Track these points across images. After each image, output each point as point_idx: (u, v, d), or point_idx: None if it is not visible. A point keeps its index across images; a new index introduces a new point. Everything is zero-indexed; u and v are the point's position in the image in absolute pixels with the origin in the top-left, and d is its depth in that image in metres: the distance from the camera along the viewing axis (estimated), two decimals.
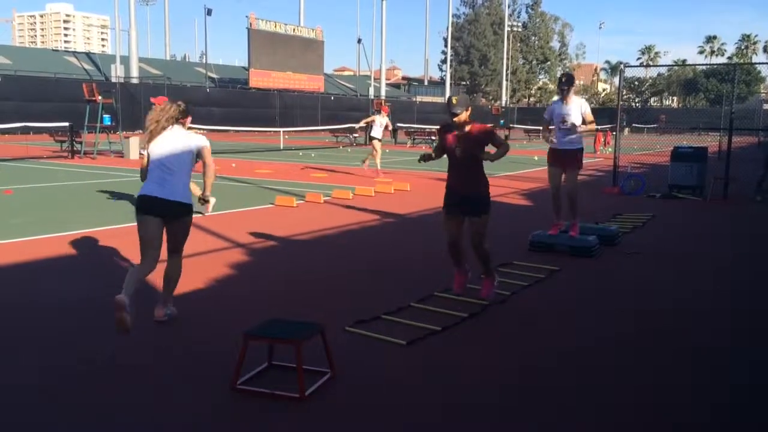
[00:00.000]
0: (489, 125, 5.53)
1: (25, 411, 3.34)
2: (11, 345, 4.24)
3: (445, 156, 5.45)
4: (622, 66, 14.84)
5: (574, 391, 3.73)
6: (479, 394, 3.67)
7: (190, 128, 5.06)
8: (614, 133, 15.16)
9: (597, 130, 13.28)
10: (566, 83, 7.21)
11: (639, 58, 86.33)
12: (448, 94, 70.82)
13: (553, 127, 7.43)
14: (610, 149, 27.99)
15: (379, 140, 15.52)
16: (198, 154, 4.71)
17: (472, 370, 4.01)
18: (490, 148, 5.24)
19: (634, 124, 36.28)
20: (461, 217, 5.33)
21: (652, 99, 79.21)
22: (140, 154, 5.43)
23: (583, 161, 7.46)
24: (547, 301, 5.52)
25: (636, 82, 74.97)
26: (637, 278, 6.40)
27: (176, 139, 4.64)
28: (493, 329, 4.79)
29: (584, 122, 7.29)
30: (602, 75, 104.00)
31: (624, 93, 14.22)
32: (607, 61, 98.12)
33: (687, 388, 3.80)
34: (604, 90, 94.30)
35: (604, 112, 59.81)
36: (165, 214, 4.51)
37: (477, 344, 4.47)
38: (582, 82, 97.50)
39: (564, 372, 4.01)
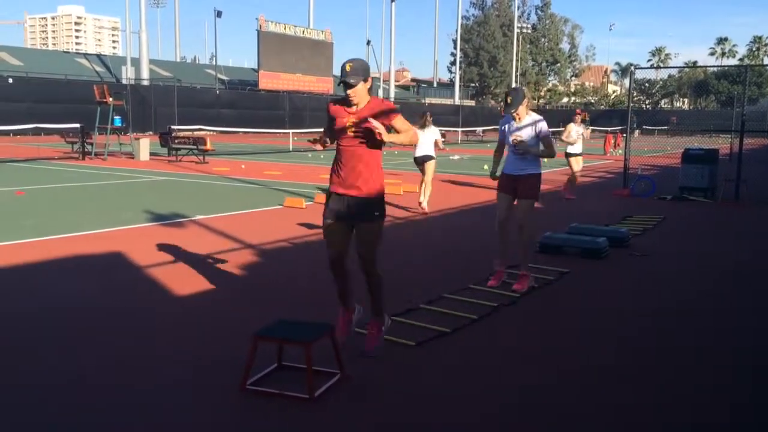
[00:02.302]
0: (392, 104, 4.31)
1: (40, 411, 3.36)
2: (27, 345, 4.26)
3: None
4: (632, 68, 14.79)
5: (577, 397, 3.72)
6: (486, 397, 3.65)
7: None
8: (624, 135, 15.10)
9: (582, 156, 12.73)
10: (512, 105, 5.73)
11: (649, 60, 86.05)
12: (457, 96, 70.95)
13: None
14: (620, 151, 27.88)
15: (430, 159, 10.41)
16: None
17: (481, 372, 4.00)
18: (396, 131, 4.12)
19: (644, 126, 36.16)
20: (348, 224, 4.13)
21: (663, 101, 78.86)
22: None
23: (541, 188, 6.03)
24: (557, 303, 5.50)
25: (646, 84, 74.72)
26: (646, 280, 6.36)
27: None
28: (503, 331, 4.77)
29: (540, 143, 5.84)
30: (612, 77, 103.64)
31: (634, 95, 14.15)
32: (618, 63, 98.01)
33: (706, 389, 3.78)
34: (614, 92, 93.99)
35: (614, 114, 59.88)
36: None
37: (486, 346, 4.46)
38: (592, 84, 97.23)
39: (570, 376, 3.99)
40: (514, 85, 75.53)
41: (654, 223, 9.63)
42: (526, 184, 5.84)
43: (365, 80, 4.02)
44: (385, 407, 3.49)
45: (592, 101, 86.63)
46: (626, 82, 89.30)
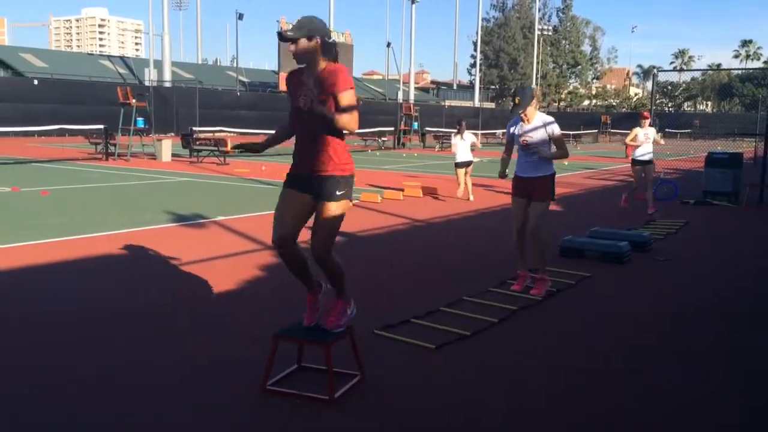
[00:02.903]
0: (344, 67, 3.58)
1: (64, 411, 3.41)
2: (49, 345, 4.32)
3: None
4: (655, 70, 14.70)
5: (595, 401, 3.69)
6: (506, 400, 3.64)
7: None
8: None
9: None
10: (520, 105, 5.55)
11: (672, 62, 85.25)
12: (477, 98, 70.75)
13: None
14: None
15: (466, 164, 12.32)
16: None
17: (501, 374, 3.98)
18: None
19: (667, 129, 35.79)
20: (308, 200, 3.64)
21: (686, 104, 78.01)
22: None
23: (555, 189, 5.84)
24: (577, 307, 5.46)
25: (669, 87, 73.98)
26: (668, 285, 6.30)
27: None
28: (522, 334, 4.75)
29: (552, 145, 5.66)
30: (634, 79, 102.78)
31: (657, 98, 14.01)
32: (640, 65, 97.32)
33: (729, 391, 3.73)
34: (636, 95, 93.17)
35: (635, 117, 59.28)
36: None
37: (505, 349, 4.44)
38: (614, 87, 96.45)
39: (588, 379, 3.96)
40: (534, 87, 75.07)
41: (677, 228, 9.52)
42: (540, 187, 5.67)
43: (311, 39, 3.45)
44: (405, 409, 3.48)
45: (614, 104, 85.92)
46: (648, 84, 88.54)
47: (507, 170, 6.13)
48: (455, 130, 12.84)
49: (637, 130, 11.36)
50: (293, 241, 3.74)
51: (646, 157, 11.28)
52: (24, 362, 3.97)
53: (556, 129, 5.61)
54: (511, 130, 5.78)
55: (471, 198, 12.20)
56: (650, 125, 11.55)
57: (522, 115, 5.59)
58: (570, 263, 6.90)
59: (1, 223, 8.57)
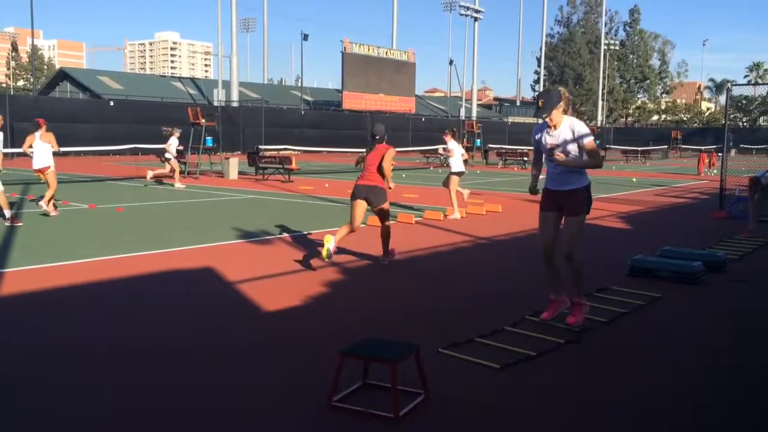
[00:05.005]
0: None
1: (146, 410, 3.53)
2: (124, 356, 4.49)
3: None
4: (728, 84, 14.16)
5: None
6: (573, 422, 3.55)
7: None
8: (719, 154, 14.43)
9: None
10: (544, 108, 4.96)
11: (746, 76, 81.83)
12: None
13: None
14: (715, 171, 26.64)
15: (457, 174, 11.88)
16: None
17: (566, 397, 3.89)
18: None
19: (741, 145, 34.40)
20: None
21: (762, 118, 74.84)
22: None
23: (592, 202, 5.20)
24: (647, 329, 5.29)
25: (743, 101, 71.17)
26: (743, 308, 6.03)
27: None
28: (589, 355, 4.63)
29: (583, 153, 5.00)
30: (706, 93, 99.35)
31: (731, 112, 13.53)
32: (712, 79, 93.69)
33: None
34: (708, 109, 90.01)
35: (708, 132, 57.32)
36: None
37: (572, 371, 4.34)
38: (684, 101, 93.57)
39: (656, 408, 3.82)
40: (600, 103, 73.73)
41: (753, 247, 9.12)
42: (573, 201, 5.01)
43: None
44: (469, 429, 3.45)
45: (685, 119, 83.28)
46: (721, 98, 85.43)
47: (538, 186, 5.42)
48: (448, 136, 12.05)
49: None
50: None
51: None
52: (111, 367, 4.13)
53: (586, 136, 4.97)
54: (537, 137, 5.18)
55: (458, 216, 11.54)
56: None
57: (547, 119, 5.00)
58: (640, 283, 6.70)
59: (81, 238, 8.97)
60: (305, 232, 9.76)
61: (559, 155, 4.93)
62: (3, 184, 10.09)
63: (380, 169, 7.35)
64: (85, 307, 5.64)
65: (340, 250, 8.13)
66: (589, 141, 4.96)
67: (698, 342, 5.02)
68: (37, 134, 11.15)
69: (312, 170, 25.02)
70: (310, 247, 8.53)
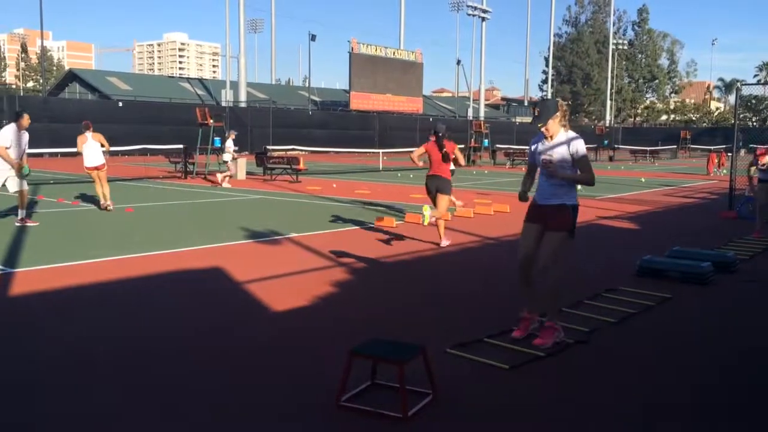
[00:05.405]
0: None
1: (149, 410, 3.54)
2: (127, 359, 4.51)
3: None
4: (738, 84, 14.09)
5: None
6: (581, 424, 3.54)
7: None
8: (729, 153, 14.35)
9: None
10: (539, 117, 4.87)
11: (756, 75, 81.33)
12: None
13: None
14: (725, 171, 26.49)
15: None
16: None
17: (575, 398, 3.88)
18: None
19: (751, 145, 34.20)
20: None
21: None
22: None
23: (577, 219, 4.94)
24: (658, 330, 5.27)
25: (753, 101, 70.79)
26: (754, 308, 6.00)
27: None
28: (599, 355, 4.62)
29: (575, 168, 4.86)
30: (715, 93, 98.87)
31: (740, 112, 13.45)
32: (721, 79, 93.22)
33: None
34: (717, 109, 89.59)
35: (717, 132, 57.04)
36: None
37: (579, 372, 4.33)
38: (693, 101, 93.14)
39: (664, 408, 3.81)
40: (608, 103, 73.50)
41: (763, 248, 9.07)
42: (557, 215, 4.84)
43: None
44: (477, 428, 3.44)
45: (694, 119, 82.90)
46: (731, 98, 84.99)
47: (528, 193, 5.19)
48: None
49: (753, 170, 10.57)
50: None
51: None
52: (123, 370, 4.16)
53: (580, 148, 4.83)
54: (533, 147, 5.04)
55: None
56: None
57: (543, 129, 4.89)
58: (650, 284, 6.67)
59: (91, 239, 9.02)
60: (313, 232, 9.77)
61: (545, 158, 4.83)
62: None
63: (445, 161, 8.61)
64: (94, 307, 5.66)
65: (344, 254, 8.16)
66: (581, 154, 4.83)
67: (708, 343, 5.00)
68: (89, 135, 11.88)
69: (319, 170, 25.05)
70: (317, 247, 8.54)
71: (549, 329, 4.83)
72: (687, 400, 3.88)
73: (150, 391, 3.87)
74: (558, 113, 4.85)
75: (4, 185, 9.89)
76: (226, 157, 18.38)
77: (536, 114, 4.92)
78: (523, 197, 5.18)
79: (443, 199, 8.64)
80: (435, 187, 8.70)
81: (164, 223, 10.98)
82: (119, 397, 3.76)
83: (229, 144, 18.36)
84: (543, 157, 4.89)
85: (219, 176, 18.36)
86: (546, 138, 4.91)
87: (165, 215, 11.94)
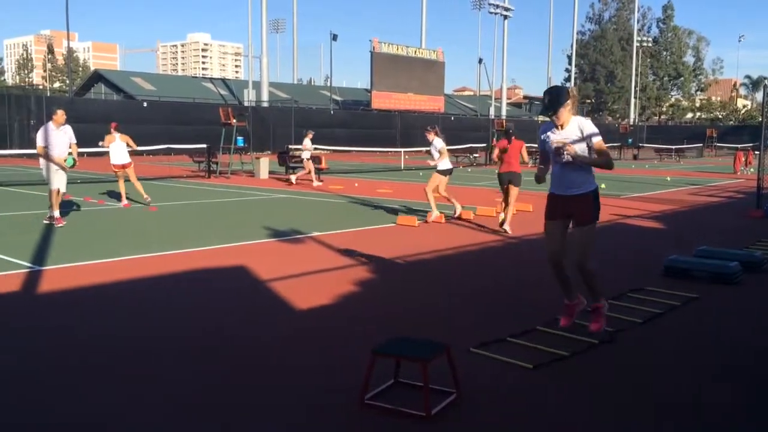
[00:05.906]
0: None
1: (163, 412, 3.58)
2: (153, 355, 4.56)
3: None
4: (765, 81, 13.82)
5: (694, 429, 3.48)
6: (605, 425, 3.50)
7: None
8: (756, 152, 14.11)
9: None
10: (550, 106, 4.76)
11: None
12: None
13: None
14: (752, 169, 26.05)
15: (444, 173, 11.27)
16: None
17: (600, 398, 3.84)
18: None
19: None
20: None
21: None
22: None
23: (600, 207, 4.89)
24: (684, 330, 5.19)
25: None
26: None
27: None
28: (623, 356, 4.56)
29: (592, 152, 4.77)
30: (742, 90, 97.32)
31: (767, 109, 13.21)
32: (748, 76, 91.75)
33: None
34: (744, 107, 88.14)
35: (744, 130, 56.13)
36: None
37: (606, 372, 4.28)
38: (720, 99, 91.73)
39: (684, 408, 3.75)
40: (632, 101, 72.65)
41: None
42: (581, 207, 4.74)
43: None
44: (501, 429, 3.42)
45: (720, 117, 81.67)
46: (758, 96, 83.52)
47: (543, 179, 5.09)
48: (431, 134, 11.61)
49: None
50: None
51: None
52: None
53: (594, 130, 4.73)
54: (543, 136, 4.91)
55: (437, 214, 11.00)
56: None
57: (553, 118, 4.78)
58: (676, 284, 6.59)
59: (115, 237, 9.14)
60: (336, 231, 9.79)
61: (569, 147, 4.66)
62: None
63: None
64: (115, 305, 5.73)
65: (364, 253, 8.15)
66: (598, 140, 4.73)
67: (735, 343, 4.92)
68: (117, 135, 12.63)
69: (341, 169, 25.10)
70: (340, 246, 8.55)
71: (598, 312, 4.91)
72: (716, 402, 3.82)
73: (172, 388, 3.90)
74: (569, 101, 4.73)
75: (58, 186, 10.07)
76: (305, 155, 18.45)
77: (546, 103, 4.79)
78: (539, 178, 5.03)
79: (514, 190, 10.07)
80: (507, 180, 10.06)
81: (188, 221, 11.08)
82: (122, 397, 3.80)
83: (307, 143, 18.30)
84: (556, 145, 4.73)
85: (293, 177, 18.59)
86: (556, 127, 4.81)
87: (189, 214, 12.04)
